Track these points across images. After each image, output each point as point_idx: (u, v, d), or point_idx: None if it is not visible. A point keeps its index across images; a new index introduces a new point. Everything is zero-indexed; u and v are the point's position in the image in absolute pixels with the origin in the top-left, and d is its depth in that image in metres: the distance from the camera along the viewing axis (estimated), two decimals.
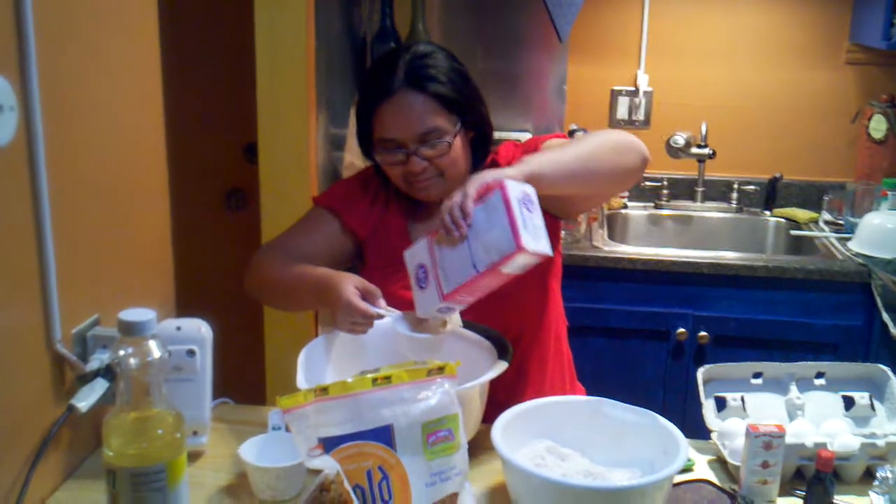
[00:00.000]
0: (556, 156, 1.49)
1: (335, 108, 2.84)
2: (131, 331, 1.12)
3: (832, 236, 2.87)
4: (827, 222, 3.00)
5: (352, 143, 2.78)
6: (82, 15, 1.40)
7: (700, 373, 1.55)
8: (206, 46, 2.97)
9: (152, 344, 1.13)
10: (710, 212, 3.16)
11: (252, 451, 1.37)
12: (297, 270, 1.61)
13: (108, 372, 1.38)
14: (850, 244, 2.74)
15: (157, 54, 1.63)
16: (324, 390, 1.15)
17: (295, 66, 2.51)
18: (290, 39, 2.50)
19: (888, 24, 2.78)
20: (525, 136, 3.14)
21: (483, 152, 1.75)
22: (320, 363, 1.52)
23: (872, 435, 1.46)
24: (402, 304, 1.65)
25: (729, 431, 1.46)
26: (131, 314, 1.13)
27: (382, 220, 1.78)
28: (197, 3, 2.88)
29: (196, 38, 2.91)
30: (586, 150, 1.52)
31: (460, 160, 1.67)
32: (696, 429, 1.53)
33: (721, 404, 1.54)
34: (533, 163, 1.43)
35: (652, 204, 3.20)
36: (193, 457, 1.45)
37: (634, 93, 3.22)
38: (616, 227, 3.12)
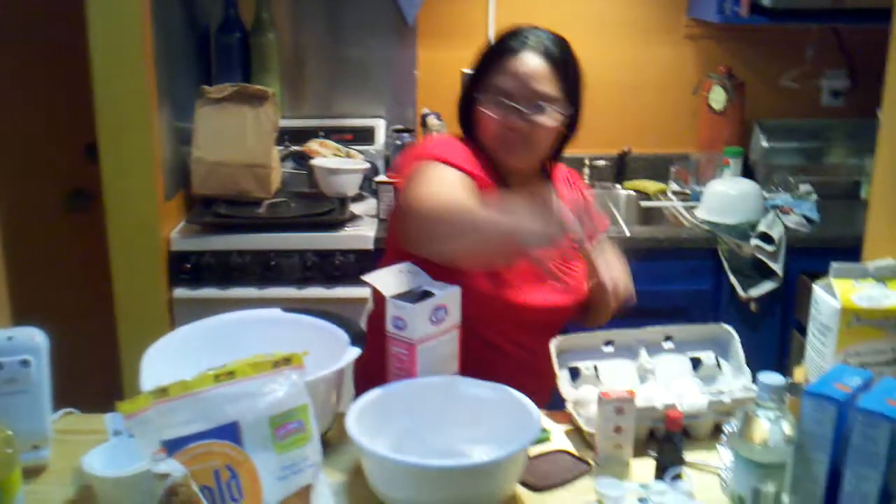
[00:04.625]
0: None
1: (180, 102, 2.75)
2: None
3: (679, 206, 2.97)
4: (675, 193, 3.10)
5: (199, 139, 2.70)
6: None
7: (553, 344, 1.56)
8: (39, 45, 2.83)
9: None
10: None
11: (97, 460, 1.30)
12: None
13: None
14: (696, 212, 2.84)
15: None
16: (164, 391, 1.10)
17: (132, 60, 2.42)
18: (125, 33, 2.41)
19: None
20: (379, 123, 3.13)
21: (557, 152, 1.84)
22: (170, 364, 1.46)
23: (719, 393, 1.50)
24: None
25: (583, 400, 1.48)
26: None
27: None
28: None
29: (27, 36, 2.77)
30: None
31: (549, 142, 1.75)
32: (557, 400, 1.55)
33: (575, 374, 1.56)
34: None
35: None
36: (36, 472, 1.38)
37: None
38: None
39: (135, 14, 2.40)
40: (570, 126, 1.80)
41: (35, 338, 1.39)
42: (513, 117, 1.69)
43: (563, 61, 1.74)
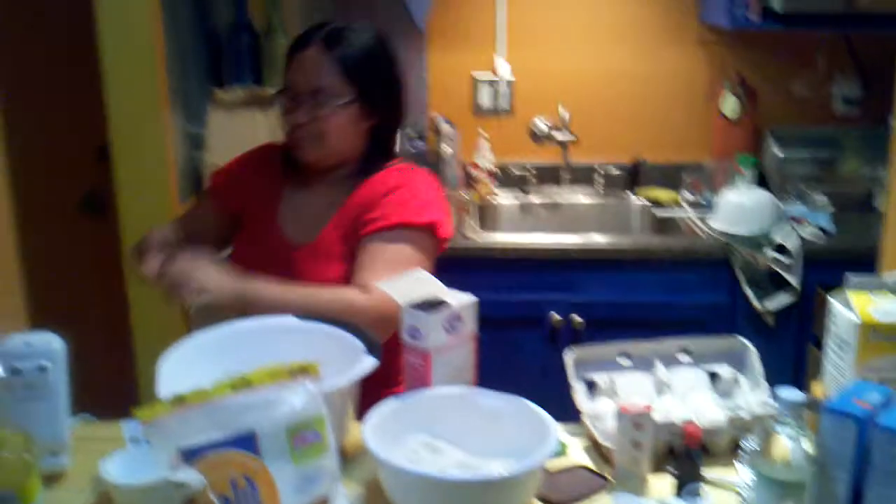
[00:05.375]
0: (280, 298, 1.60)
1: (192, 106, 2.74)
2: None
3: (694, 216, 2.95)
4: (688, 202, 3.08)
5: (212, 144, 2.69)
6: None
7: (569, 356, 1.56)
8: (48, 45, 2.82)
9: None
10: (577, 195, 3.20)
11: (115, 467, 1.30)
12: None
13: None
14: (710, 222, 2.83)
15: None
16: (181, 399, 1.10)
17: (143, 62, 2.41)
18: (136, 35, 2.40)
19: (730, 2, 2.85)
20: None
21: (383, 146, 1.80)
22: (185, 370, 1.45)
23: (738, 408, 1.49)
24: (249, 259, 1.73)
25: (600, 413, 1.47)
26: None
27: (262, 186, 1.85)
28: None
29: (36, 37, 2.76)
30: (312, 306, 1.58)
31: (344, 133, 1.73)
32: (575, 414, 1.53)
33: (592, 386, 1.55)
34: (250, 291, 1.60)
35: (521, 192, 3.21)
36: (54, 479, 1.37)
37: (496, 79, 3.23)
38: (487, 216, 3.13)
39: (145, 16, 2.39)
40: (387, 118, 1.79)
41: (52, 343, 1.39)
42: (292, 113, 1.73)
43: (354, 51, 1.72)
